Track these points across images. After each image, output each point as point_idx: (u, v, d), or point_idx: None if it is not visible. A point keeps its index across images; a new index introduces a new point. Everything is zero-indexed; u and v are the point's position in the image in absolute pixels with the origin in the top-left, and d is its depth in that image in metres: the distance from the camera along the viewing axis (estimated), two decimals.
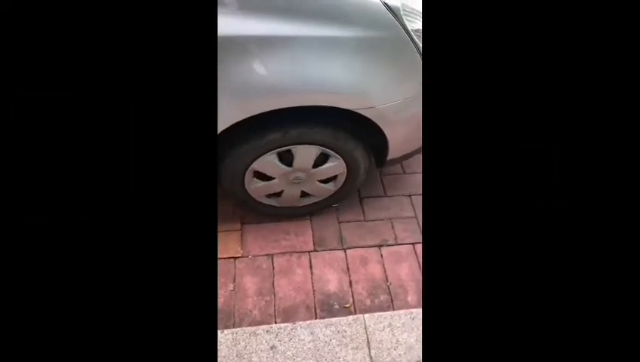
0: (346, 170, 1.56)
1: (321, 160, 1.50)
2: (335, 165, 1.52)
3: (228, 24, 1.07)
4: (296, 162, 1.46)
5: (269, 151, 1.39)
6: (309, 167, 1.49)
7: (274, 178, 1.51)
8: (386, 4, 1.14)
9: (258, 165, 1.44)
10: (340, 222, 1.75)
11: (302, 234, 1.70)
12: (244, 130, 1.30)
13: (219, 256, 1.62)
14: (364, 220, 1.76)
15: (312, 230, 1.72)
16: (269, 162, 1.43)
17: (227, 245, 1.65)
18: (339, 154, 1.47)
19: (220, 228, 1.70)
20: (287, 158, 1.45)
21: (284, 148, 1.40)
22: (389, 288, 1.55)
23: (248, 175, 1.48)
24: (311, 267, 1.61)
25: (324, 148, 1.43)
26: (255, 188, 1.54)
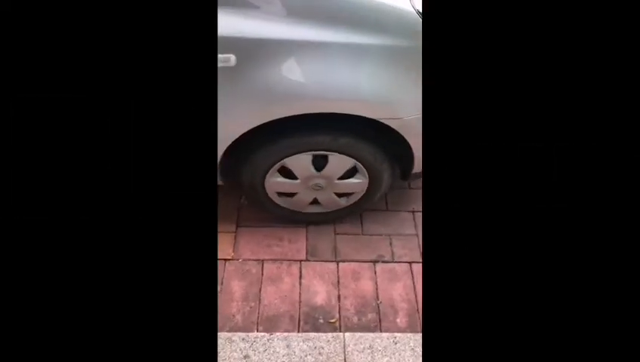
0: (365, 191, 1.54)
1: (349, 174, 1.48)
2: (360, 183, 1.50)
3: (262, 27, 1.07)
4: (327, 169, 1.43)
5: (309, 151, 1.38)
6: (334, 177, 1.47)
7: (297, 178, 1.48)
8: (420, 13, 1.10)
9: (290, 161, 1.41)
10: (336, 234, 1.69)
11: (295, 242, 1.66)
12: (290, 126, 1.28)
13: None
14: (362, 234, 1.70)
15: (307, 239, 1.67)
16: (302, 161, 1.41)
17: (219, 246, 1.63)
18: (369, 174, 1.46)
19: None
20: (318, 163, 1.43)
21: (322, 153, 1.39)
22: (378, 307, 1.48)
23: (274, 168, 1.45)
24: (300, 277, 1.56)
25: (358, 164, 1.42)
26: (273, 181, 1.50)
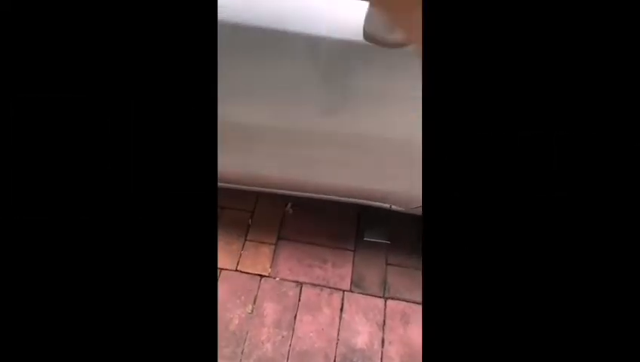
0: None
1: None
2: None
3: None
4: None
5: None
6: None
7: None
8: None
9: None
10: (387, 264, 1.49)
11: (340, 267, 1.47)
12: None
13: (245, 269, 1.46)
14: (417, 268, 1.48)
15: (353, 265, 1.48)
16: None
17: (256, 259, 1.48)
18: None
19: (253, 237, 1.53)
20: None
21: None
22: None
23: None
24: (342, 310, 1.38)
25: None
26: None
